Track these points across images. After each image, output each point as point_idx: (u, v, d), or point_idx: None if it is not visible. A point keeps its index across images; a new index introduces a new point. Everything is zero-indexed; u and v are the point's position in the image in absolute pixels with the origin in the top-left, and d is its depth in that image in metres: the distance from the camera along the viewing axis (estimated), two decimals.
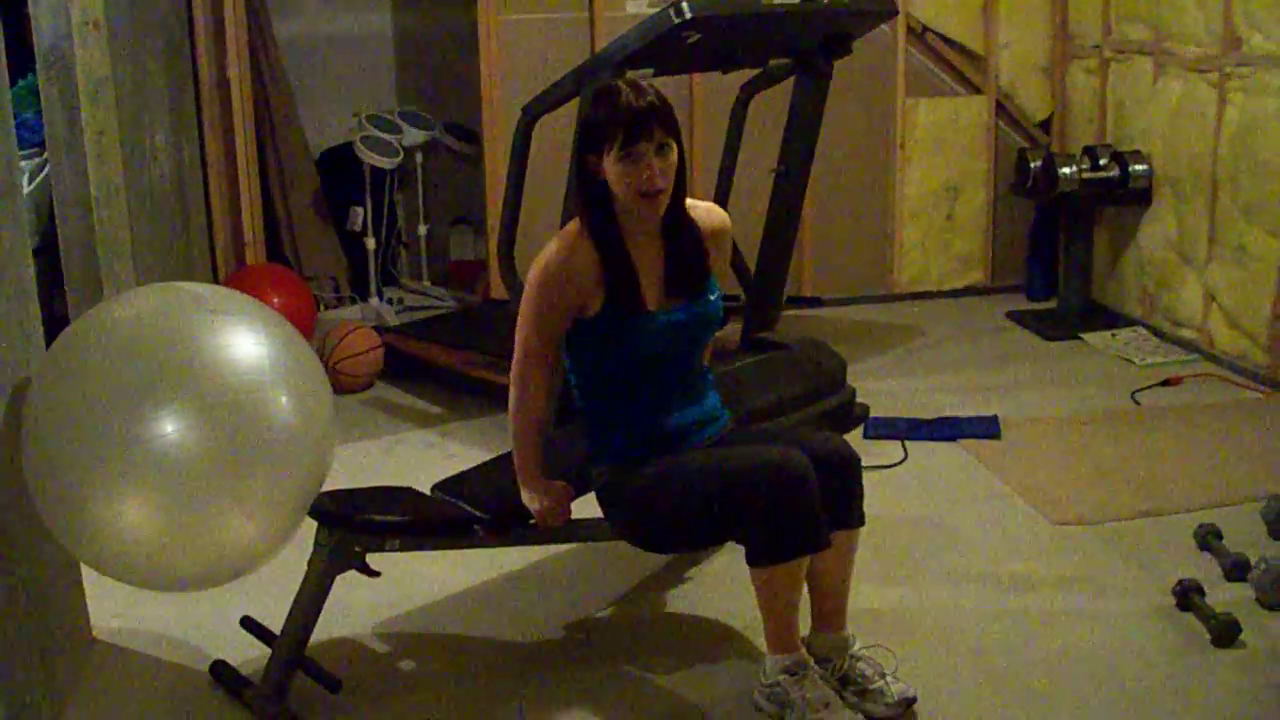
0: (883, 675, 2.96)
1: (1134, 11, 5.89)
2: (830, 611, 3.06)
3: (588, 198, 2.99)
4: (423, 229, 6.84)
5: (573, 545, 3.79)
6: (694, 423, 3.08)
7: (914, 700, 2.94)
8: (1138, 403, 5.07)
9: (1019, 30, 6.48)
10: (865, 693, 2.94)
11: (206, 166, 5.84)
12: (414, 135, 6.53)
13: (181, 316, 2.86)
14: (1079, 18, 6.37)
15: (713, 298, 3.10)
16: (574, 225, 3.03)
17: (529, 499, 3.10)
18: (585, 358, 3.06)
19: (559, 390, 3.98)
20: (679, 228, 3.05)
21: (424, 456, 4.67)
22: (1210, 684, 3.08)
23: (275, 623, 3.14)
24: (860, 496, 3.04)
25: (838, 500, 2.94)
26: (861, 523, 3.05)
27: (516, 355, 3.04)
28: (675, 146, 2.93)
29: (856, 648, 3.03)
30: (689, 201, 3.10)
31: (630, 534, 3.11)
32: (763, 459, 2.85)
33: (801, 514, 2.80)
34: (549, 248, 3.01)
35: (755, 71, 4.92)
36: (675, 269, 3.04)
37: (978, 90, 6.53)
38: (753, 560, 2.86)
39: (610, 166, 2.90)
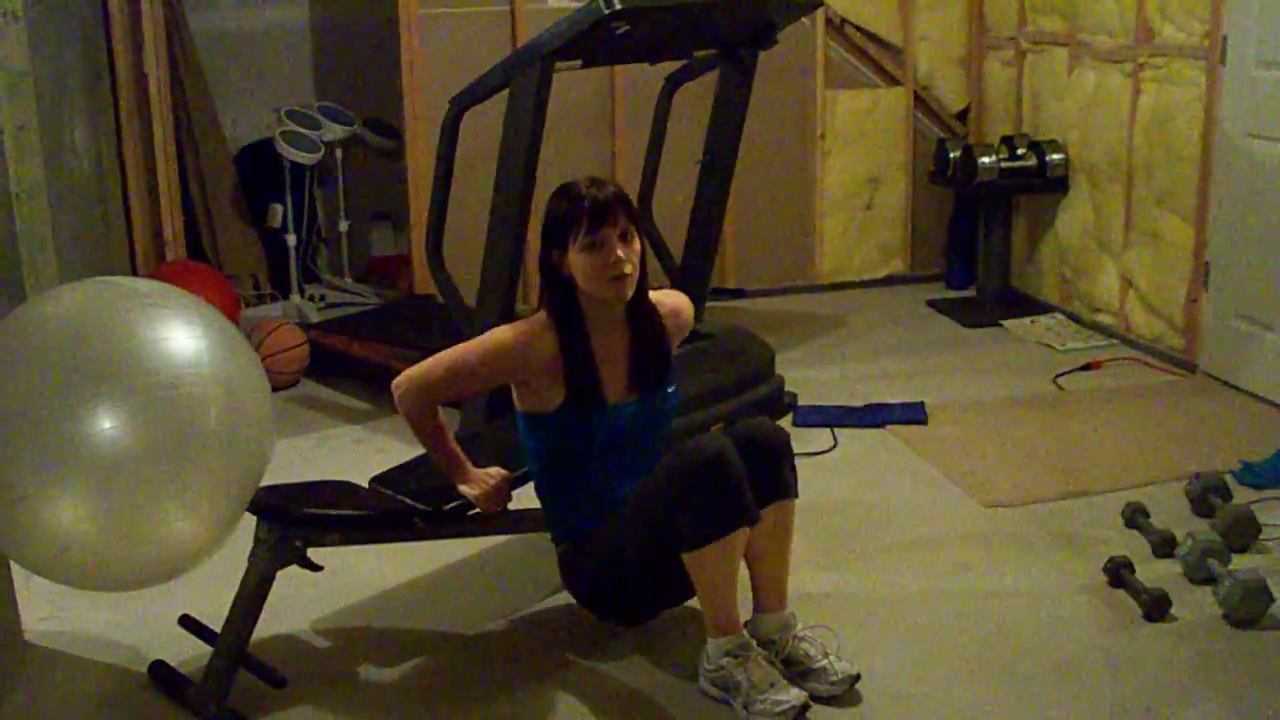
0: (826, 654, 3.00)
1: (1048, 3, 6.00)
2: (770, 593, 3.09)
3: (552, 293, 3.02)
4: (343, 225, 6.79)
5: (513, 536, 3.78)
6: None
7: (858, 678, 2.97)
8: (1060, 387, 5.16)
9: (936, 22, 6.58)
10: (809, 672, 2.97)
11: (124, 163, 5.76)
12: (334, 130, 6.48)
13: (116, 311, 2.81)
14: (995, 10, 6.47)
15: (670, 390, 3.15)
16: (540, 316, 3.06)
17: (466, 489, 3.13)
18: (544, 444, 3.10)
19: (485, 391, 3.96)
20: (643, 317, 3.10)
21: (355, 452, 4.64)
22: (1143, 656, 3.14)
23: (215, 620, 3.11)
24: (791, 469, 3.08)
25: (767, 474, 3.00)
26: (794, 494, 3.09)
27: (421, 386, 3.04)
28: (638, 236, 2.99)
29: (799, 628, 3.06)
30: (653, 293, 3.16)
31: (602, 608, 3.21)
32: (678, 452, 2.92)
33: (724, 490, 2.86)
34: (513, 326, 3.06)
35: (680, 63, 4.95)
36: (639, 360, 3.08)
37: (896, 82, 6.61)
38: (683, 546, 2.89)
39: (575, 257, 2.94)
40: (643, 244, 3.03)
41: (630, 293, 3.00)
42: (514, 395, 3.10)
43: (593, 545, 3.09)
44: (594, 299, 3.00)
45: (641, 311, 3.09)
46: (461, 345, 3.07)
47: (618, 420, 3.05)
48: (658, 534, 2.92)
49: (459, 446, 3.17)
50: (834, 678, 2.96)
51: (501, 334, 3.04)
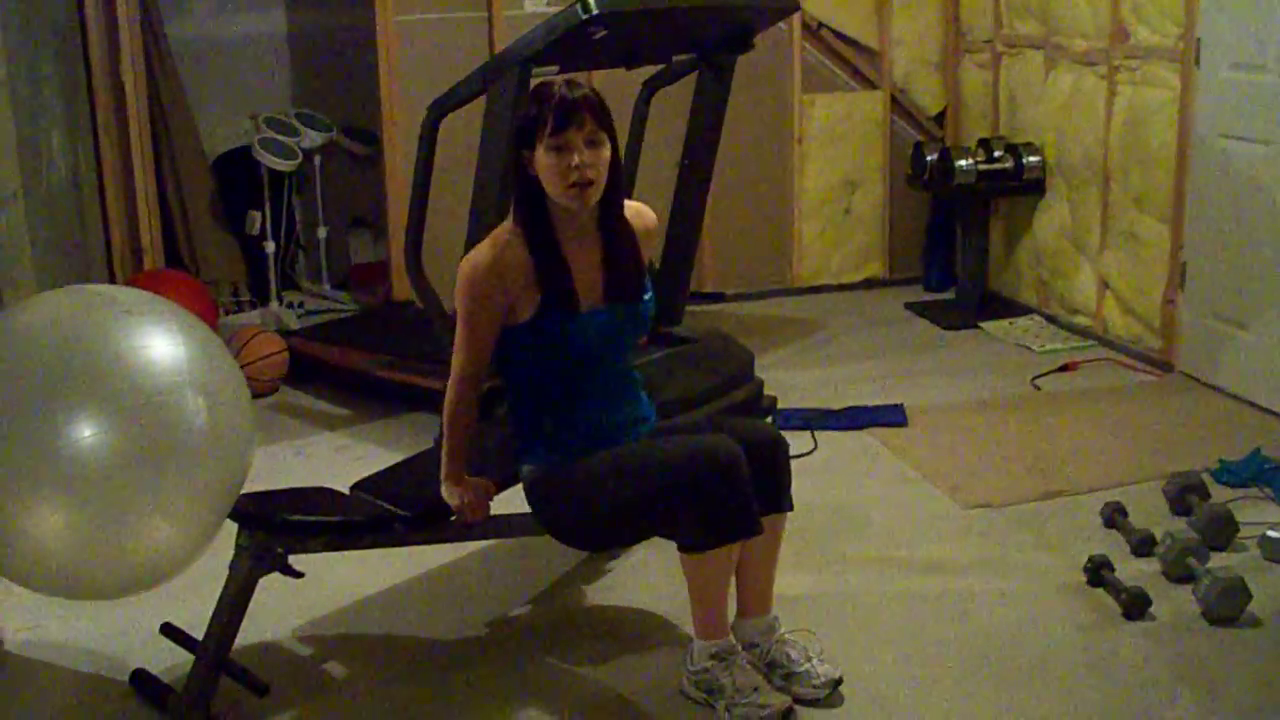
0: (809, 657, 3.00)
1: (1024, 6, 6.03)
2: (756, 597, 3.09)
3: (521, 196, 2.98)
4: (322, 232, 6.77)
5: (493, 542, 3.79)
6: (625, 421, 3.08)
7: (840, 681, 2.98)
8: (1038, 388, 5.19)
9: (912, 26, 6.60)
10: (792, 675, 2.98)
11: (101, 171, 5.73)
12: (312, 137, 6.46)
13: (95, 319, 2.81)
14: (970, 13, 6.50)
15: (647, 297, 3.10)
16: (506, 225, 3.02)
17: (450, 494, 3.10)
18: (517, 358, 3.04)
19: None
20: (616, 230, 3.05)
21: (335, 459, 4.63)
22: (1123, 655, 3.17)
23: (196, 629, 3.10)
24: (788, 481, 3.07)
25: (767, 485, 2.97)
26: (790, 507, 3.08)
27: (457, 360, 3.01)
28: (608, 142, 2.93)
29: (781, 631, 3.07)
30: None
31: (562, 531, 3.10)
32: (695, 447, 2.87)
33: (735, 499, 2.83)
34: (478, 247, 3.00)
35: (658, 68, 4.95)
36: (613, 272, 3.03)
37: (873, 85, 6.63)
38: (687, 547, 2.88)
39: (541, 159, 2.89)
40: (616, 152, 2.97)
41: (592, 200, 2.94)
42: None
43: (571, 478, 3.01)
44: (561, 204, 2.95)
45: (613, 219, 3.04)
46: (457, 306, 3.01)
47: (592, 327, 2.98)
48: (653, 514, 2.89)
49: (467, 451, 3.11)
50: (817, 681, 2.96)
51: (467, 263, 2.97)
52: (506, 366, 3.08)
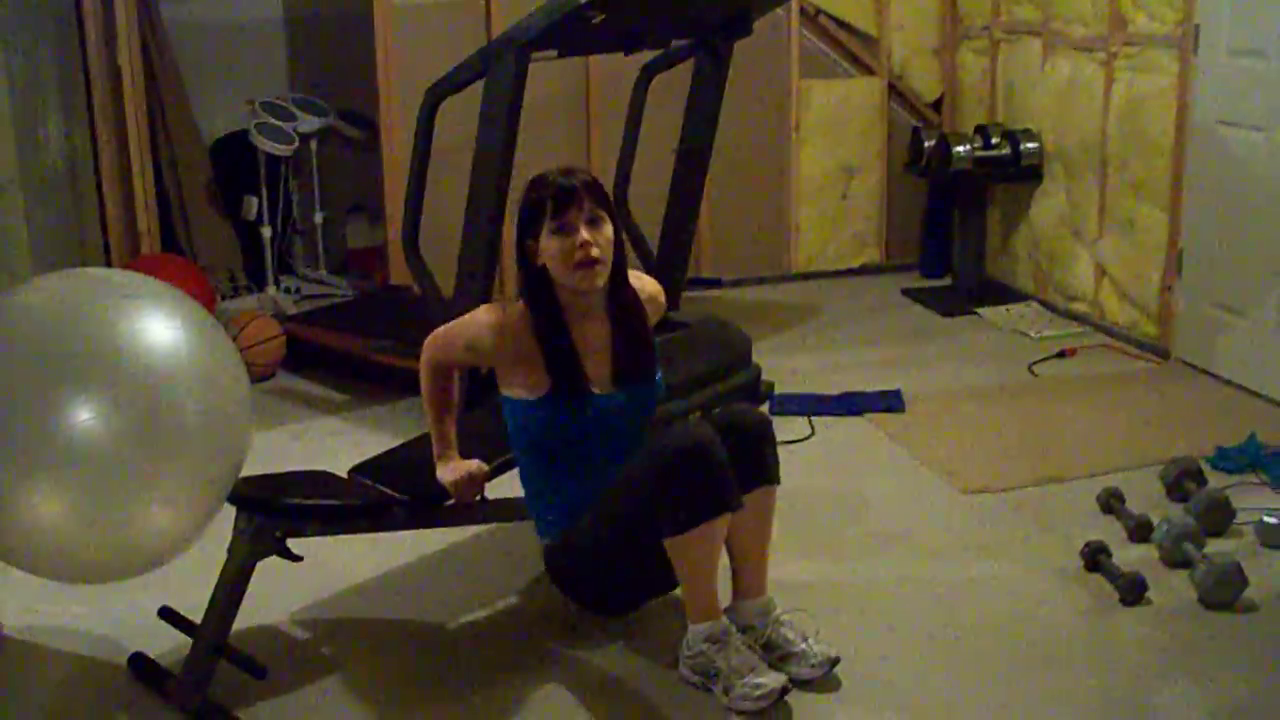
0: (805, 638, 3.01)
1: None
2: (750, 578, 3.10)
3: (528, 283, 3.03)
4: (319, 217, 6.76)
5: (490, 526, 3.79)
6: None
7: (837, 661, 2.99)
8: (1035, 374, 5.19)
9: (910, 12, 6.59)
10: (789, 656, 2.99)
11: (98, 155, 5.72)
12: (309, 122, 6.45)
13: (93, 302, 2.80)
14: (968, 0, 6.49)
15: (658, 378, 3.14)
16: (520, 303, 3.06)
17: (443, 474, 3.13)
18: (529, 434, 3.08)
19: (465, 379, 3.99)
20: (625, 309, 3.09)
21: (332, 443, 4.63)
22: (1119, 639, 3.18)
23: (194, 612, 3.10)
24: (773, 455, 3.09)
25: (749, 460, 3.00)
26: (775, 481, 3.09)
27: (427, 356, 3.11)
28: (609, 221, 2.97)
29: (778, 613, 3.07)
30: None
31: (586, 596, 3.20)
32: (662, 438, 2.93)
33: (708, 477, 2.86)
34: (492, 312, 3.06)
35: (656, 53, 4.95)
36: (623, 352, 3.07)
37: (870, 71, 6.62)
38: (666, 531, 2.89)
39: (545, 244, 2.95)
40: (618, 233, 3.02)
41: (600, 281, 2.99)
42: (498, 378, 3.09)
43: (577, 535, 3.08)
44: (569, 288, 3.00)
45: (622, 299, 3.09)
46: (463, 319, 3.08)
47: (604, 411, 3.04)
48: (640, 519, 2.92)
49: (454, 432, 3.16)
50: (813, 661, 2.97)
51: (483, 317, 3.04)
52: (518, 441, 3.13)
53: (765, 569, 3.12)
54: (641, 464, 2.93)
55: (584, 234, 2.92)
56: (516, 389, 3.04)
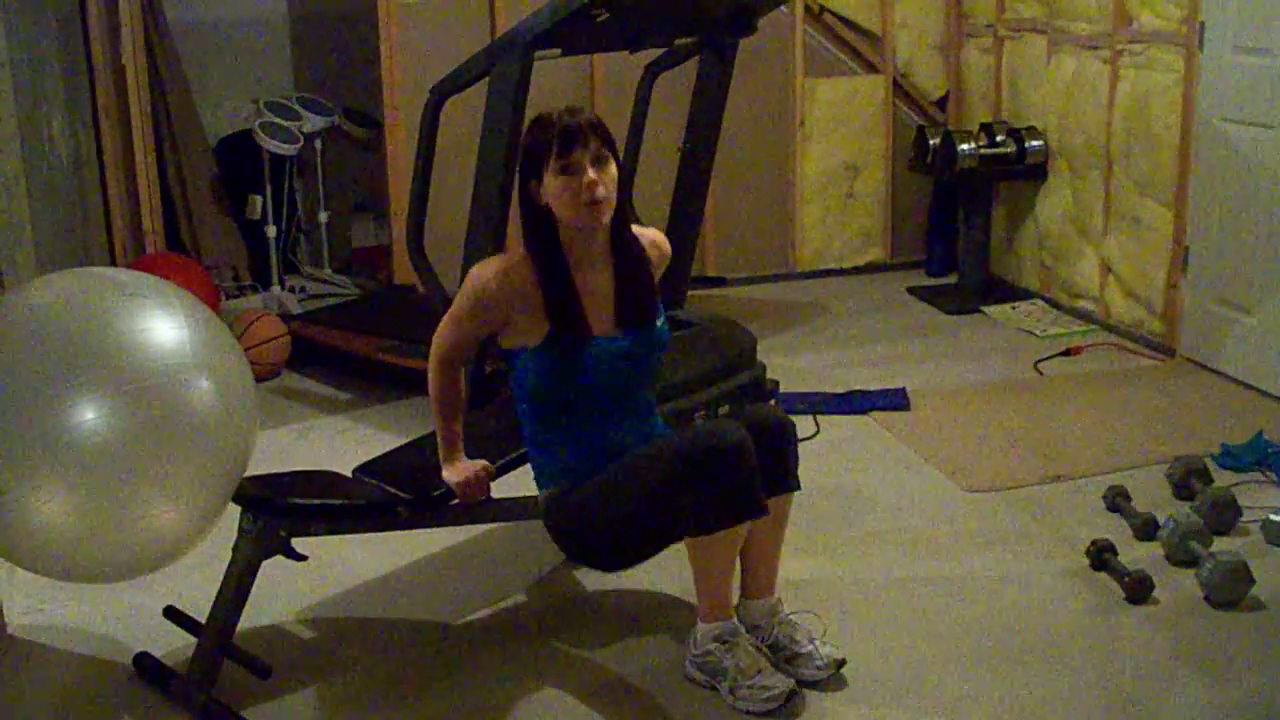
0: (812, 640, 3.01)
1: None
2: (760, 579, 3.09)
3: (531, 226, 3.00)
4: (323, 216, 6.76)
5: (495, 525, 3.79)
6: (640, 442, 3.05)
7: (843, 663, 2.98)
8: (1040, 372, 5.18)
9: (914, 10, 6.58)
10: (795, 657, 2.98)
11: (102, 155, 5.72)
12: (314, 121, 6.45)
13: (98, 301, 2.80)
14: None
15: (659, 323, 3.11)
16: (519, 250, 3.03)
17: (449, 474, 3.11)
18: (530, 384, 3.04)
19: (472, 374, 4.00)
20: (626, 251, 3.06)
21: (337, 442, 4.63)
22: (1126, 638, 3.17)
23: (199, 612, 3.10)
24: (795, 461, 3.07)
25: (773, 465, 2.97)
26: (797, 487, 3.08)
27: (436, 349, 3.06)
28: (613, 162, 2.95)
29: (784, 614, 3.07)
30: (635, 228, 3.12)
31: (581, 553, 3.14)
32: (697, 432, 2.89)
33: (739, 481, 2.82)
34: (490, 263, 3.02)
35: (660, 51, 4.94)
36: (624, 295, 3.04)
37: (875, 69, 6.61)
38: (689, 530, 2.87)
39: (550, 184, 2.91)
40: (622, 173, 2.99)
41: (606, 218, 2.96)
42: (500, 336, 3.05)
43: (583, 493, 3.02)
44: (573, 229, 2.96)
45: (623, 243, 3.06)
46: (462, 289, 3.04)
47: (605, 355, 2.99)
48: (660, 507, 2.88)
49: (460, 433, 3.13)
50: (819, 662, 2.97)
51: (480, 270, 2.99)
52: (520, 392, 3.09)
53: (775, 570, 3.11)
54: (670, 452, 2.87)
55: (590, 174, 2.90)
56: (518, 338, 2.99)
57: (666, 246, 3.23)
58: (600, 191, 2.90)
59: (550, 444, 3.09)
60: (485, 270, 2.99)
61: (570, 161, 2.88)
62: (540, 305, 2.96)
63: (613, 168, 2.94)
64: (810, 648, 2.98)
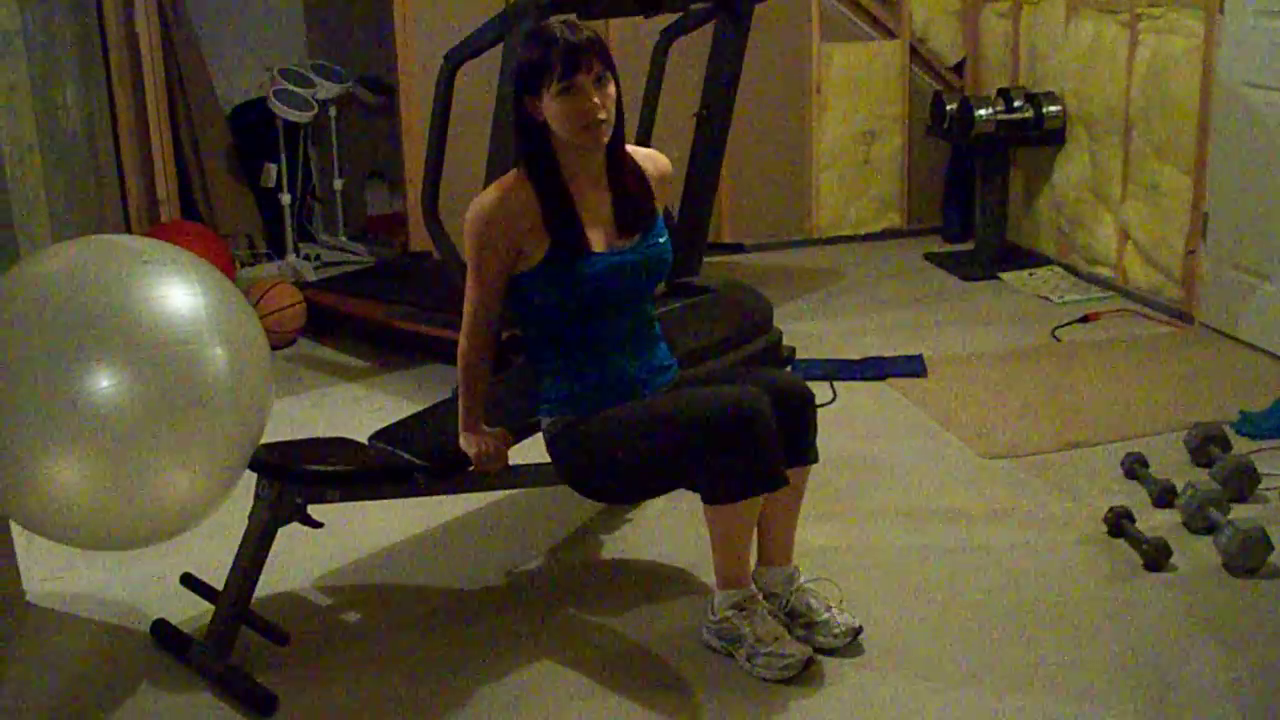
0: (828, 607, 3.00)
1: None
2: (777, 547, 3.08)
3: (527, 141, 2.95)
4: (338, 183, 6.76)
5: (511, 492, 3.79)
6: (646, 371, 3.06)
7: (860, 630, 2.98)
8: (1058, 339, 5.16)
9: None
10: (813, 625, 2.98)
11: (116, 123, 5.72)
12: (328, 88, 6.44)
13: (113, 269, 2.80)
14: None
15: (661, 239, 3.07)
16: (512, 173, 2.99)
17: (467, 443, 3.09)
18: (532, 305, 3.01)
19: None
20: (622, 168, 3.02)
21: (353, 409, 4.63)
22: (1144, 606, 3.15)
23: (216, 579, 3.11)
24: (814, 432, 3.05)
25: (793, 436, 2.95)
26: (815, 459, 3.06)
27: (465, 312, 3.00)
28: (613, 81, 2.91)
29: (801, 581, 3.06)
30: (630, 148, 3.08)
31: (583, 484, 3.09)
32: (721, 398, 2.85)
33: (760, 451, 2.81)
34: (485, 192, 2.98)
35: (676, 16, 4.91)
36: (622, 209, 3.00)
37: (892, 35, 6.58)
38: (710, 498, 2.86)
39: (549, 103, 2.87)
40: (618, 90, 2.95)
41: (606, 138, 2.93)
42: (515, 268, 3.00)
43: (595, 428, 2.98)
44: (569, 146, 2.93)
45: (619, 161, 3.02)
46: (465, 247, 2.99)
47: (606, 269, 2.95)
48: (677, 466, 2.88)
49: (482, 403, 3.10)
50: (836, 630, 2.96)
51: (474, 207, 2.95)
52: (523, 316, 3.06)
53: (793, 538, 3.10)
54: (692, 411, 2.84)
55: (594, 96, 2.86)
56: (524, 263, 2.96)
57: (664, 162, 3.18)
58: (601, 114, 2.87)
59: (553, 371, 3.05)
60: (481, 199, 2.95)
61: (573, 83, 2.84)
62: (540, 221, 2.92)
63: (612, 88, 2.91)
64: (827, 615, 2.98)
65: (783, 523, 3.06)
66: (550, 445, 3.09)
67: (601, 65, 2.87)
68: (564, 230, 2.93)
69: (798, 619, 3.00)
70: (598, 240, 2.97)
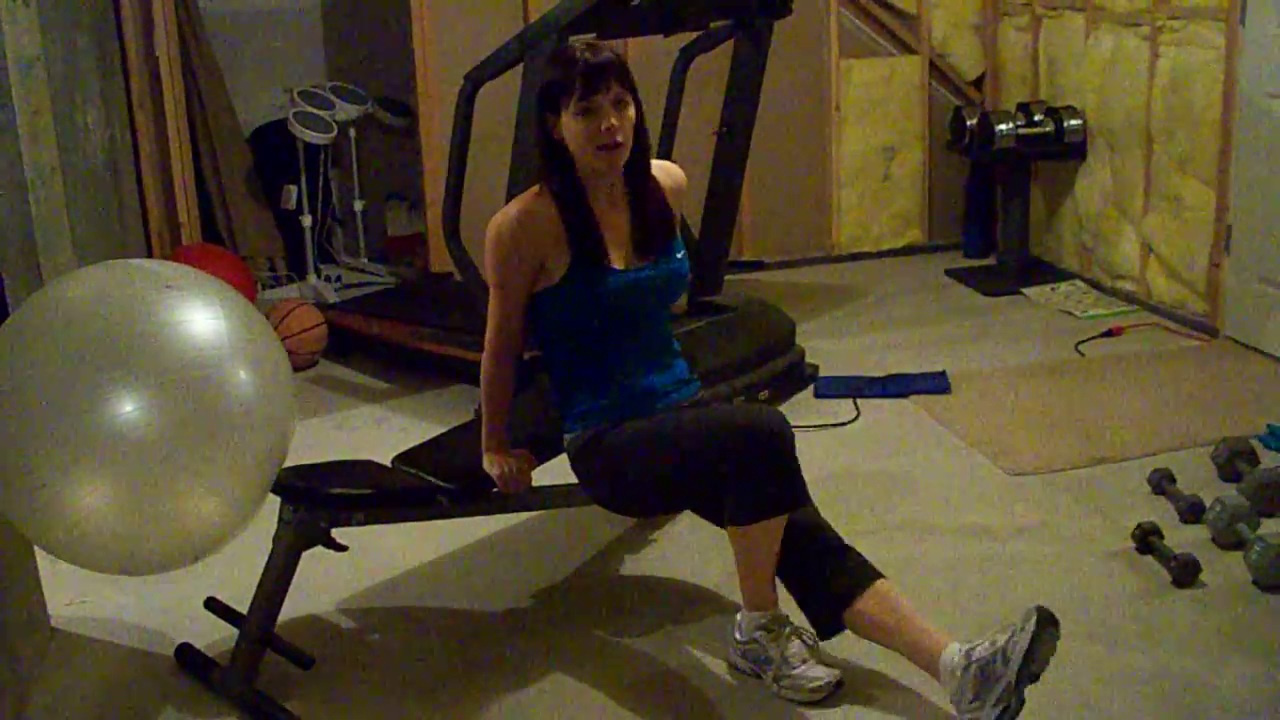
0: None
1: None
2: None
3: (548, 159, 2.97)
4: (359, 205, 6.77)
5: (535, 513, 3.78)
6: (666, 385, 3.06)
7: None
8: (1082, 354, 5.13)
9: None
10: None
11: (138, 146, 5.74)
12: (347, 110, 6.45)
13: (137, 293, 2.80)
14: None
15: (679, 255, 3.08)
16: (533, 189, 3.00)
17: (490, 465, 3.08)
18: (553, 323, 3.02)
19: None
20: (643, 189, 3.03)
21: (375, 431, 4.63)
22: (1173, 622, 3.13)
23: (241, 603, 3.10)
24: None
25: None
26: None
27: (488, 332, 3.02)
28: (633, 103, 2.92)
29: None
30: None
31: (604, 497, 3.09)
32: (742, 415, 2.85)
33: (783, 470, 2.80)
34: (506, 207, 3.00)
35: (695, 34, 4.91)
36: (642, 229, 3.01)
37: (911, 50, 6.56)
38: (734, 519, 2.85)
39: (568, 123, 2.88)
40: (639, 113, 2.96)
41: (621, 162, 2.94)
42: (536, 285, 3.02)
43: (619, 440, 2.98)
44: (587, 167, 2.94)
45: (642, 181, 3.03)
46: (486, 265, 3.01)
47: (625, 286, 2.96)
48: (699, 483, 2.87)
49: (505, 424, 3.10)
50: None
51: (497, 218, 2.97)
52: (544, 332, 3.07)
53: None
54: (716, 433, 2.82)
55: (611, 119, 2.87)
56: (545, 279, 2.97)
57: (678, 173, 3.20)
58: (619, 137, 2.88)
59: (574, 386, 3.06)
60: (503, 215, 2.96)
61: (591, 104, 2.86)
62: (562, 235, 2.93)
63: (632, 110, 2.92)
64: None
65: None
66: (574, 460, 3.09)
67: (621, 87, 2.88)
68: (586, 244, 2.94)
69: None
70: (617, 258, 2.98)
